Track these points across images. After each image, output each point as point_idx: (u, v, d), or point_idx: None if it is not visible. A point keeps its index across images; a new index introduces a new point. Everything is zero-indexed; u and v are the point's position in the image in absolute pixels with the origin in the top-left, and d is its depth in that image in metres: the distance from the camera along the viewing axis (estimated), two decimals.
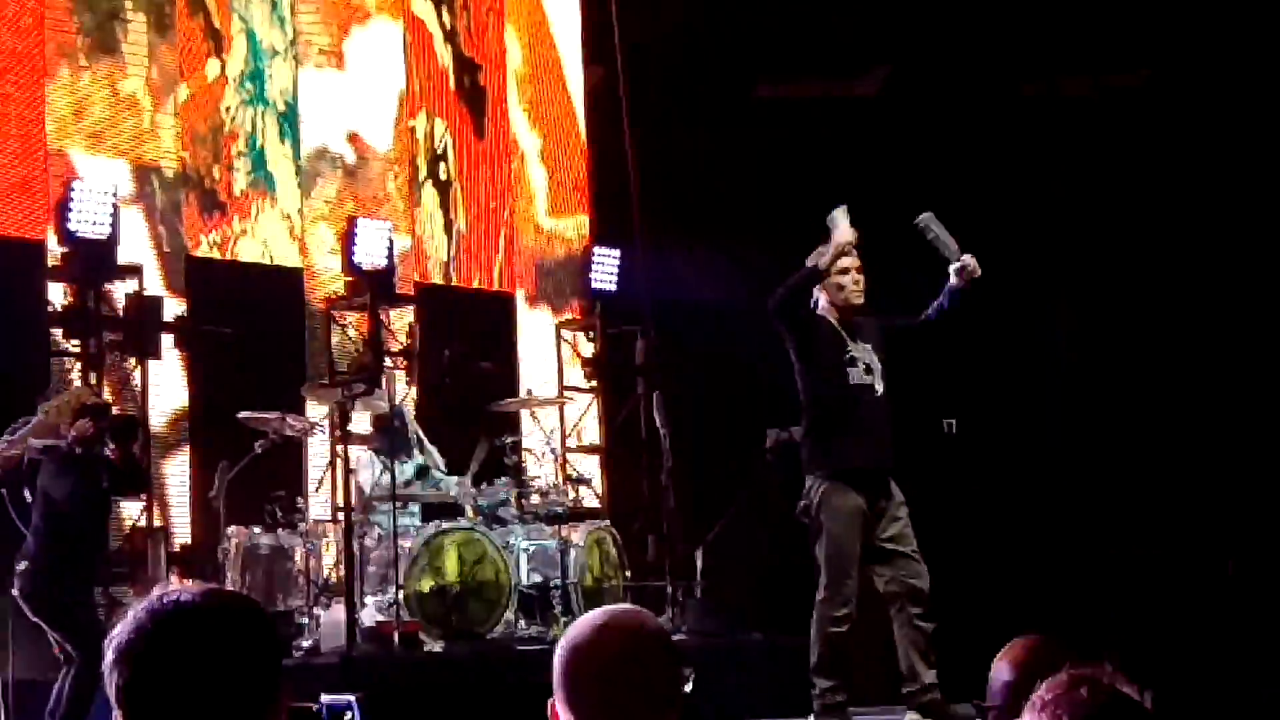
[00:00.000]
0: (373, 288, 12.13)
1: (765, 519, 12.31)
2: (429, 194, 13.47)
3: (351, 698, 7.63)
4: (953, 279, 8.27)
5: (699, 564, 11.71)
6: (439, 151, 13.60)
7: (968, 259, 8.24)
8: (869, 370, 8.33)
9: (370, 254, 12.05)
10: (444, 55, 13.74)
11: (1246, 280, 14.12)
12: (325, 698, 7.56)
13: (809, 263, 8.25)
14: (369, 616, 9.78)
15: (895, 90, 15.23)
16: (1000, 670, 3.71)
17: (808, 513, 8.24)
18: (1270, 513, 13.15)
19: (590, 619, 2.71)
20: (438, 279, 13.41)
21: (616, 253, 13.50)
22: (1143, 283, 14.08)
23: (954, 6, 14.44)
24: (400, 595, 9.79)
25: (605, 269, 13.45)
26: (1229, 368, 13.98)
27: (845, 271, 8.34)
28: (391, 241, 12.27)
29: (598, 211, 14.46)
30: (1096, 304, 14.31)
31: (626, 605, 2.85)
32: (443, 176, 13.61)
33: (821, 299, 8.39)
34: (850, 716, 8.27)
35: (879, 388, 8.34)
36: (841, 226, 8.27)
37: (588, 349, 13.75)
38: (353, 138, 13.06)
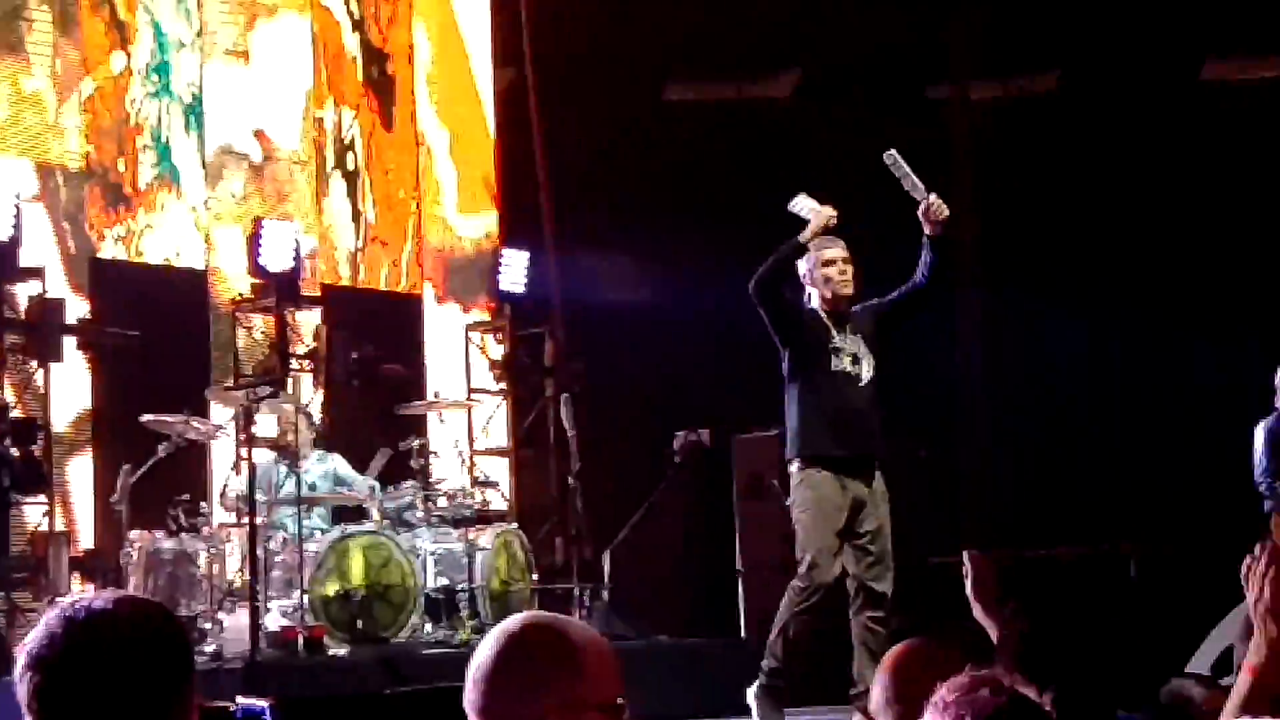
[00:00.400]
0: (279, 290, 12.00)
1: (674, 521, 12.32)
2: (336, 184, 13.40)
3: (265, 704, 7.55)
4: (925, 228, 8.24)
5: (607, 567, 11.69)
6: (346, 141, 13.53)
7: (932, 198, 8.21)
8: (855, 360, 8.30)
9: (276, 256, 11.91)
10: (351, 45, 13.66)
11: (1150, 279, 14.26)
12: (241, 700, 7.49)
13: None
14: (273, 621, 9.71)
15: (807, 93, 15.27)
16: (879, 673, 3.75)
17: (788, 507, 8.29)
18: (1172, 513, 13.27)
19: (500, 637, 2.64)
20: (345, 270, 13.35)
21: (525, 254, 13.45)
22: (1051, 283, 14.17)
23: (866, 9, 14.50)
24: (305, 599, 9.72)
25: (514, 270, 13.39)
26: (1130, 368, 14.10)
27: (831, 263, 8.30)
28: (298, 243, 12.16)
29: (507, 212, 14.42)
30: (1003, 304, 14.39)
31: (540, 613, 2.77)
32: (350, 166, 13.54)
33: (813, 294, 8.36)
34: (783, 709, 8.27)
35: (865, 377, 8.31)
36: (817, 206, 8.18)
37: (496, 351, 13.70)
38: (259, 134, 12.96)
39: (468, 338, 13.74)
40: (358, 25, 13.72)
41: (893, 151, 8.26)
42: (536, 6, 13.96)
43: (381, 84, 13.85)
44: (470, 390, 13.39)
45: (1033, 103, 15.41)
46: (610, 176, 14.40)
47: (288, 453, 10.51)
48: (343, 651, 9.69)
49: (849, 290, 8.35)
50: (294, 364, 11.92)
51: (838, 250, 8.33)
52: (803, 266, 8.34)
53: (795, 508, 8.27)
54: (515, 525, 11.15)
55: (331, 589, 9.89)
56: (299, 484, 10.03)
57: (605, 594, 11.45)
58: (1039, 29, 15.04)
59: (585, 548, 11.60)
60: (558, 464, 12.61)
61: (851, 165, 13.77)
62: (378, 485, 10.64)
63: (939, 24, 14.98)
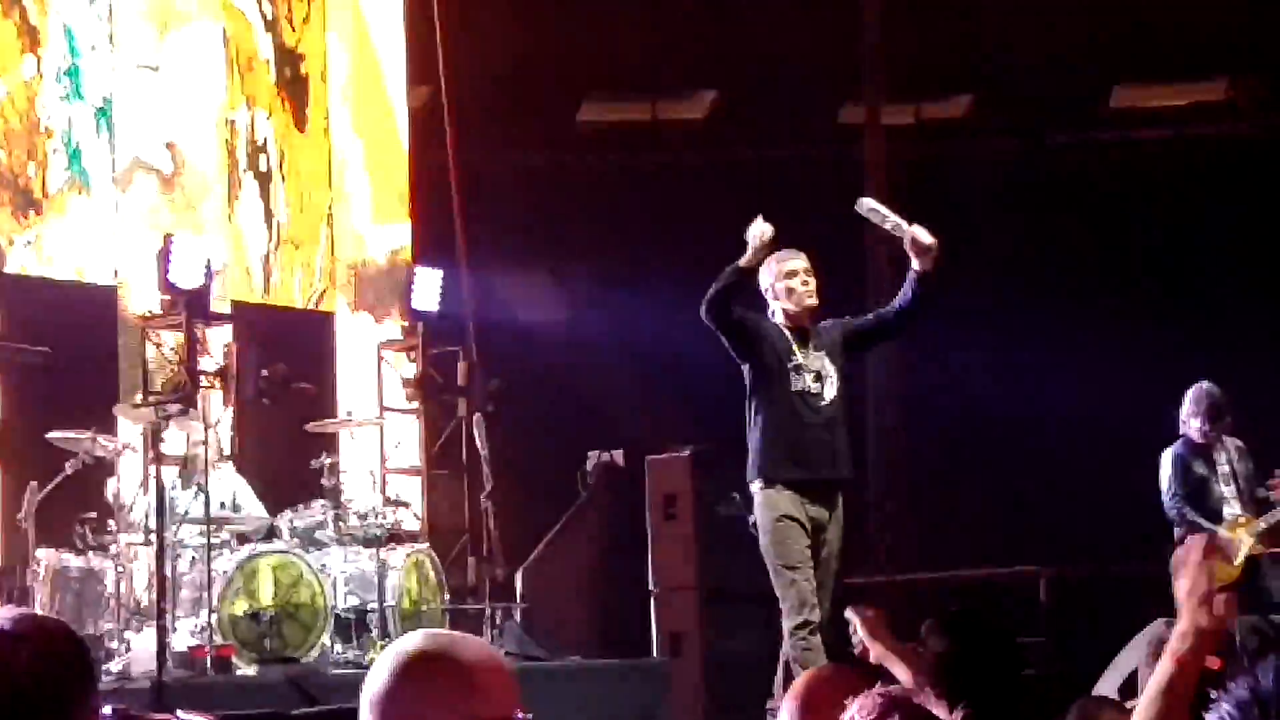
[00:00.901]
0: (188, 306, 11.89)
1: (586, 541, 12.31)
2: (249, 185, 13.33)
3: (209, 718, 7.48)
4: (914, 263, 8.04)
5: (519, 587, 11.67)
6: (259, 143, 13.46)
7: (914, 230, 8.03)
8: (818, 378, 8.13)
9: (186, 272, 11.79)
10: (264, 46, 13.58)
11: (1061, 304, 14.37)
12: (181, 714, 7.43)
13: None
14: (181, 640, 9.62)
15: (722, 114, 15.32)
16: (786, 699, 3.74)
17: (752, 527, 8.18)
18: (1081, 537, 13.37)
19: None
20: (257, 272, 13.28)
21: (439, 273, 13.40)
22: (962, 307, 14.22)
23: (781, 32, 14.55)
24: (213, 618, 9.64)
25: (427, 288, 13.33)
26: (1039, 391, 14.19)
27: (793, 274, 8.14)
28: (209, 259, 12.06)
29: (420, 229, 14.37)
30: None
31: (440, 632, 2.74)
32: (263, 168, 13.47)
33: (777, 308, 8.24)
34: None
35: (828, 395, 8.17)
36: (755, 224, 8.02)
37: (409, 369, 13.64)
38: (170, 146, 12.87)
39: (380, 355, 13.68)
40: (270, 26, 13.65)
41: (863, 200, 8.22)
42: (452, 25, 13.93)
43: (295, 85, 13.78)
44: (382, 408, 13.33)
45: (946, 127, 15.52)
46: (525, 195, 14.39)
47: (195, 471, 10.41)
48: (251, 671, 9.62)
49: (813, 301, 8.18)
50: (203, 381, 11.82)
51: (799, 261, 8.18)
52: (765, 280, 8.19)
53: (760, 533, 8.15)
54: (427, 545, 11.11)
55: (240, 608, 9.81)
56: (207, 503, 9.94)
57: (517, 614, 11.43)
58: (952, 54, 15.15)
59: (497, 568, 11.57)
60: (470, 483, 12.56)
61: (765, 186, 13.88)
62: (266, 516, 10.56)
63: (853, 48, 15.06)
